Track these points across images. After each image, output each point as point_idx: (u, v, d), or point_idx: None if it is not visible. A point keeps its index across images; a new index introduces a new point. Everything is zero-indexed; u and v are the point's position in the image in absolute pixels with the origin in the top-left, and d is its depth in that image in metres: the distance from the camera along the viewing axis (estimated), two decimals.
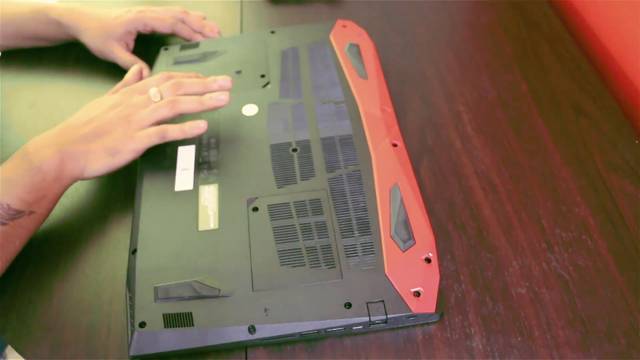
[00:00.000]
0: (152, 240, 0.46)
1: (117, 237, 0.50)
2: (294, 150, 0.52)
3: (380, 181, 0.49)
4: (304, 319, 0.42)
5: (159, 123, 0.51)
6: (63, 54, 0.68)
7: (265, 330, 0.41)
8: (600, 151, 0.55)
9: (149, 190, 0.50)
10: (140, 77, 0.59)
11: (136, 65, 0.59)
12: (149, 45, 0.68)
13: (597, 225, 0.49)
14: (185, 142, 0.54)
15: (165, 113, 0.51)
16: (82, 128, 0.50)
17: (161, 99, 0.52)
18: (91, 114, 0.51)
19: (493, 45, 0.67)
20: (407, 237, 0.45)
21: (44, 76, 0.67)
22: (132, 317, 0.42)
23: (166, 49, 0.65)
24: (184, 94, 0.53)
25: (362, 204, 0.48)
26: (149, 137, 0.50)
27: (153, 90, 0.52)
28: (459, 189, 0.53)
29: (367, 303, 0.42)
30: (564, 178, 0.53)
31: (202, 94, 0.53)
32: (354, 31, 0.65)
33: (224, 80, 0.54)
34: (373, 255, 0.44)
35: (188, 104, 0.51)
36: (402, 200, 0.47)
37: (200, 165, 0.52)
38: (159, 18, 0.65)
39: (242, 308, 0.42)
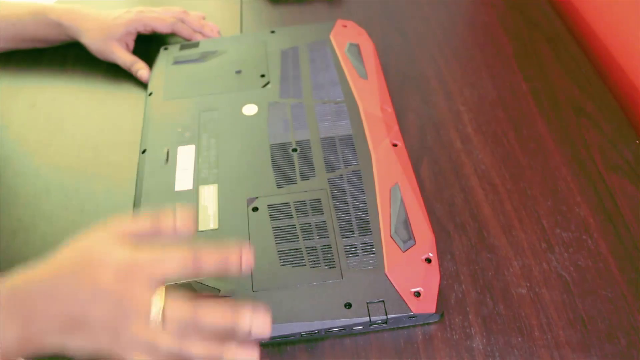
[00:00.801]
0: None
1: None
2: (294, 150, 0.52)
3: (381, 181, 0.49)
4: (304, 319, 0.42)
5: None
6: (62, 54, 0.68)
7: None
8: (600, 151, 0.55)
9: (149, 190, 0.50)
10: (156, 226, 0.39)
11: (152, 215, 0.39)
12: (149, 45, 0.67)
13: (597, 225, 0.49)
14: (185, 142, 0.54)
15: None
16: (53, 317, 0.35)
17: (163, 319, 0.35)
18: (73, 296, 0.35)
19: (493, 45, 0.67)
20: (407, 237, 0.45)
21: (44, 76, 0.67)
22: None
23: (166, 49, 0.65)
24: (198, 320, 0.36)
25: (362, 204, 0.48)
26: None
27: (156, 309, 0.35)
28: (459, 189, 0.53)
29: (367, 303, 0.42)
30: (564, 178, 0.53)
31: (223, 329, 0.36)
32: (354, 31, 0.65)
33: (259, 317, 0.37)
34: (373, 255, 0.44)
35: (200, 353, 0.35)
36: (402, 200, 0.47)
37: (200, 165, 0.52)
38: (158, 18, 0.65)
39: None
